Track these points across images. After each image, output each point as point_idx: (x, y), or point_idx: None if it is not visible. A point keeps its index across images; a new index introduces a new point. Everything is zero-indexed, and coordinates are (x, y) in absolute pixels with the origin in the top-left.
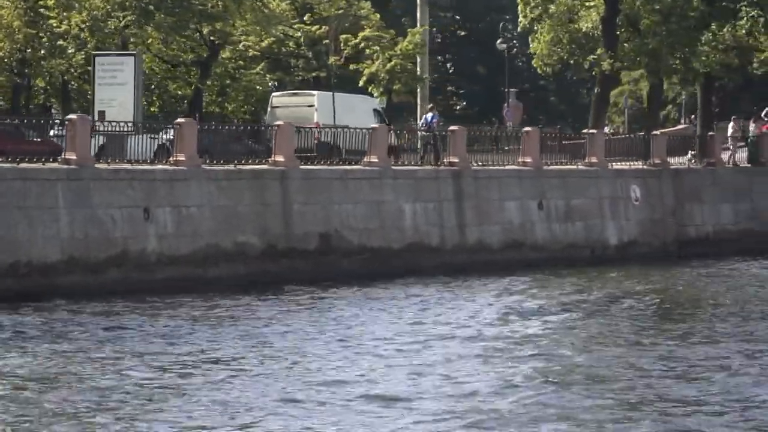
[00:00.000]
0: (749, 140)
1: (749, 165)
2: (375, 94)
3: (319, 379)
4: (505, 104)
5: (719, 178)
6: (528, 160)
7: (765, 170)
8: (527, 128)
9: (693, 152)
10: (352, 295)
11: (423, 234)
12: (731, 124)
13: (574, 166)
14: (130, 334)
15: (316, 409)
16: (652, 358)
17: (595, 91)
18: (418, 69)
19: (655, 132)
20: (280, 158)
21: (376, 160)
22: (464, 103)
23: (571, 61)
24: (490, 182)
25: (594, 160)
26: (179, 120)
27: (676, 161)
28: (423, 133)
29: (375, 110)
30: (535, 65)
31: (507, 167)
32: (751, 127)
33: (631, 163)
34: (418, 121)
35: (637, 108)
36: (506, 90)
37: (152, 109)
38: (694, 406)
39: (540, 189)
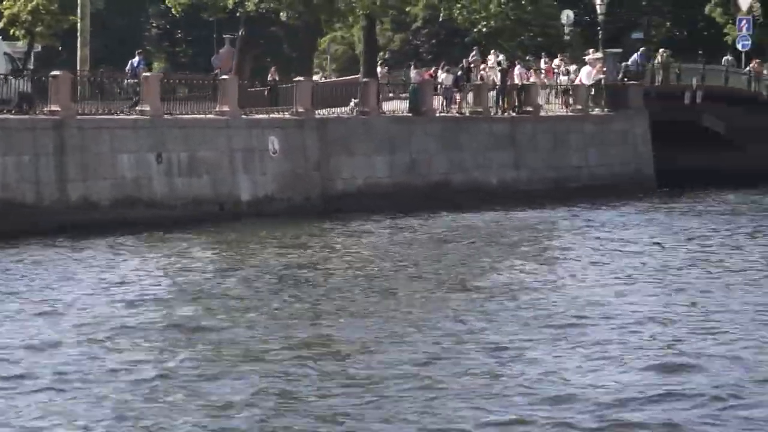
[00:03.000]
0: (411, 88)
1: (410, 114)
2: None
3: None
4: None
5: (372, 129)
6: (146, 108)
7: (426, 120)
8: (146, 74)
9: (355, 101)
10: None
11: (15, 192)
12: (378, 69)
13: (202, 116)
14: None
15: None
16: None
17: (240, 33)
18: (79, 10)
19: (298, 78)
20: None
21: None
22: (192, 51)
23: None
24: (99, 133)
25: (225, 108)
26: None
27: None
28: (128, 80)
29: (6, 54)
30: (169, 4)
31: (119, 117)
32: (413, 74)
33: (271, 113)
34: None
35: (351, 55)
36: (214, 36)
37: None
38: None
39: (159, 140)
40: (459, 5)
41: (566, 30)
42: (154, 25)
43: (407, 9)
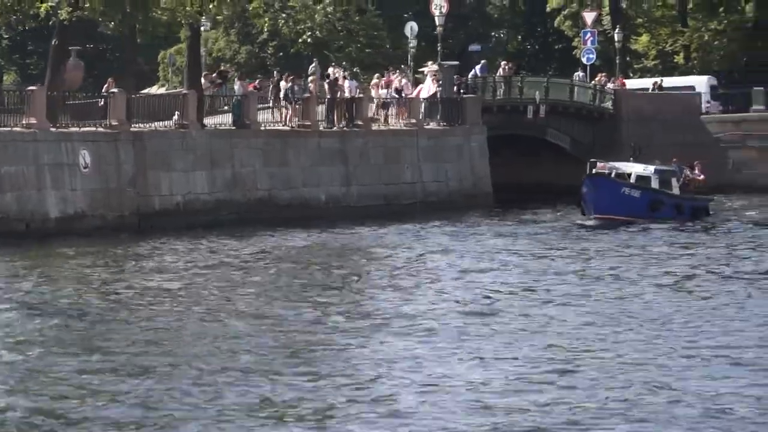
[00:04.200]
0: (234, 100)
1: (233, 127)
2: None
3: None
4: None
5: (192, 143)
6: None
7: (250, 133)
8: None
9: (178, 113)
10: None
11: None
12: (203, 81)
13: (7, 129)
14: None
15: None
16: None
17: (53, 42)
18: None
19: (113, 90)
20: None
21: None
22: (44, 63)
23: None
24: None
25: (33, 121)
26: None
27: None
28: None
29: None
30: None
31: None
32: (236, 86)
33: (82, 126)
34: None
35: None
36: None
37: None
38: None
39: None
40: (284, 15)
41: (410, 42)
42: (5, 36)
43: (254, 20)
